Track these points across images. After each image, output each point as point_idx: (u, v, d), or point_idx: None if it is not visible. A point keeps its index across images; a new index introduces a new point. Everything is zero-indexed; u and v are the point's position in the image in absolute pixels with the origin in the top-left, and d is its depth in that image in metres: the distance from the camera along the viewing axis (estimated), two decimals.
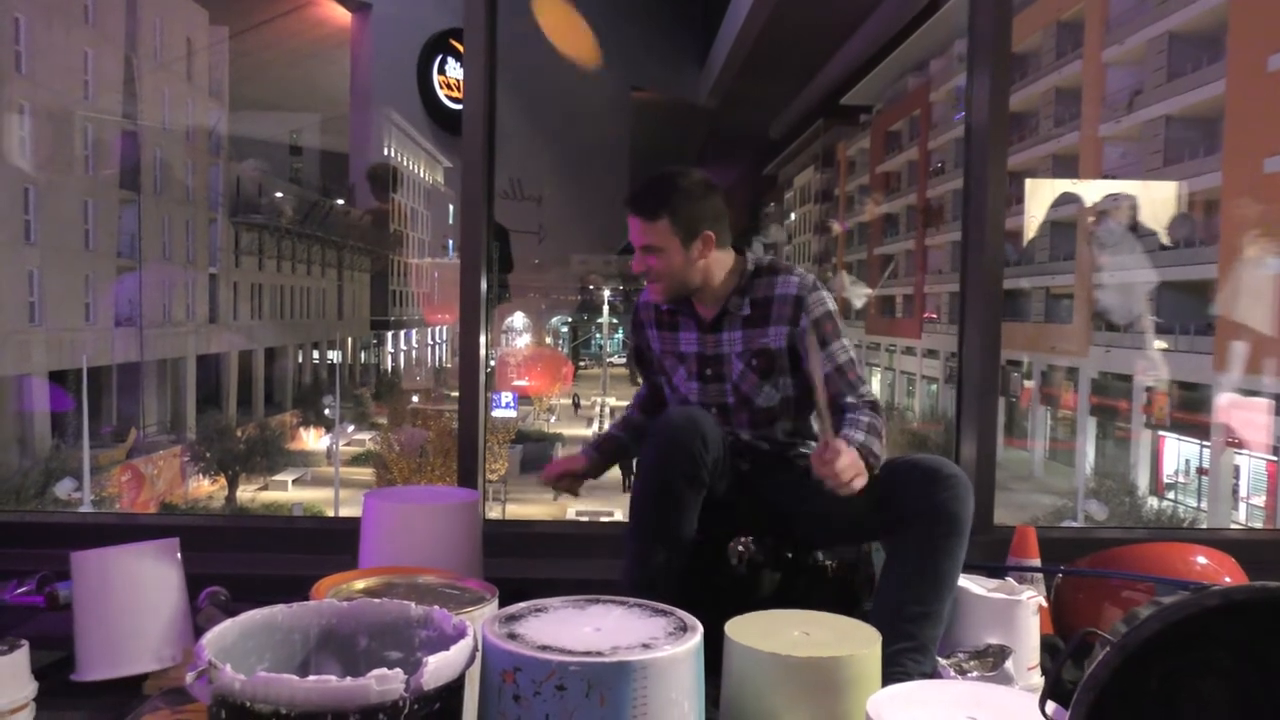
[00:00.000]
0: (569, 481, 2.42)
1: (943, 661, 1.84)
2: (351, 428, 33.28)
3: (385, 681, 1.21)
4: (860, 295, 42.80)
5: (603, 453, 2.44)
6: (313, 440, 33.51)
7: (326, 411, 32.32)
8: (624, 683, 1.34)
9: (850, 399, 2.13)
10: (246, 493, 25.92)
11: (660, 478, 2.02)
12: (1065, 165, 29.42)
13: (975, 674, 1.84)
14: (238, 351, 33.41)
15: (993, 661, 1.89)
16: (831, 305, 2.20)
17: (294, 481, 27.55)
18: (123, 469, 24.19)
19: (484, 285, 2.91)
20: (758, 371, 2.20)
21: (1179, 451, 24.08)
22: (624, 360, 51.21)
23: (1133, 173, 26.05)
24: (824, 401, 1.97)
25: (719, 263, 2.21)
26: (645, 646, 1.39)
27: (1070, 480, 25.06)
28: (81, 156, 26.02)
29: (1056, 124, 30.03)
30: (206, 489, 26.51)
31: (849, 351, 2.18)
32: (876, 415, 2.10)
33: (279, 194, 37.81)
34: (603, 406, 38.15)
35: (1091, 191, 26.78)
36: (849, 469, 1.87)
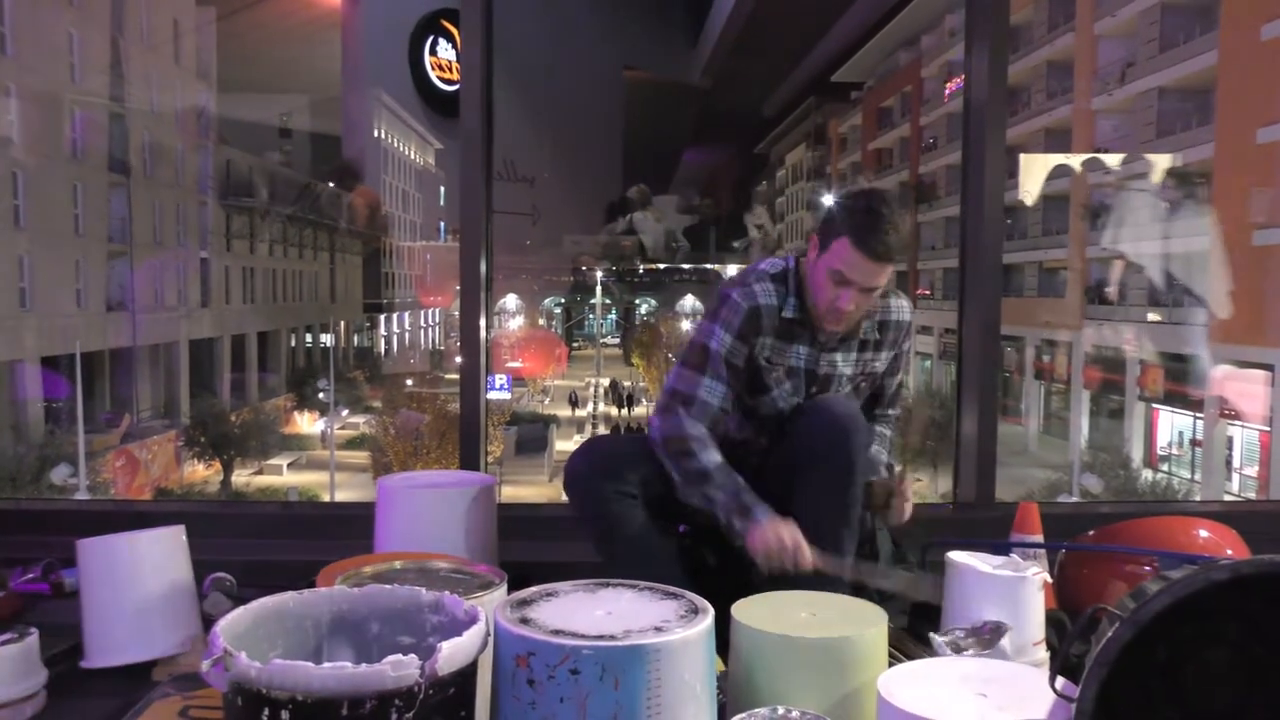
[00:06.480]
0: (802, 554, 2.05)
1: (940, 639, 1.85)
2: (345, 411, 33.23)
3: (401, 667, 1.21)
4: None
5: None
6: (307, 424, 33.47)
7: (320, 395, 32.26)
8: (638, 666, 1.34)
9: (891, 410, 2.41)
10: (241, 477, 25.90)
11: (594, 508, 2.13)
12: (1057, 139, 29.36)
13: (971, 651, 1.85)
14: (230, 336, 33.31)
15: (989, 639, 1.89)
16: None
17: (289, 465, 27.55)
18: (117, 454, 24.11)
19: (484, 268, 2.90)
20: (859, 393, 2.31)
21: (1172, 424, 24.16)
22: (617, 341, 51.09)
23: (1125, 145, 26.01)
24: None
25: None
26: (658, 629, 1.40)
27: (1064, 454, 25.12)
28: (69, 140, 25.80)
29: (1048, 97, 29.96)
30: (201, 474, 26.48)
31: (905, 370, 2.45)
32: (893, 426, 2.41)
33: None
34: (596, 387, 38.08)
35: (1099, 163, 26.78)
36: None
